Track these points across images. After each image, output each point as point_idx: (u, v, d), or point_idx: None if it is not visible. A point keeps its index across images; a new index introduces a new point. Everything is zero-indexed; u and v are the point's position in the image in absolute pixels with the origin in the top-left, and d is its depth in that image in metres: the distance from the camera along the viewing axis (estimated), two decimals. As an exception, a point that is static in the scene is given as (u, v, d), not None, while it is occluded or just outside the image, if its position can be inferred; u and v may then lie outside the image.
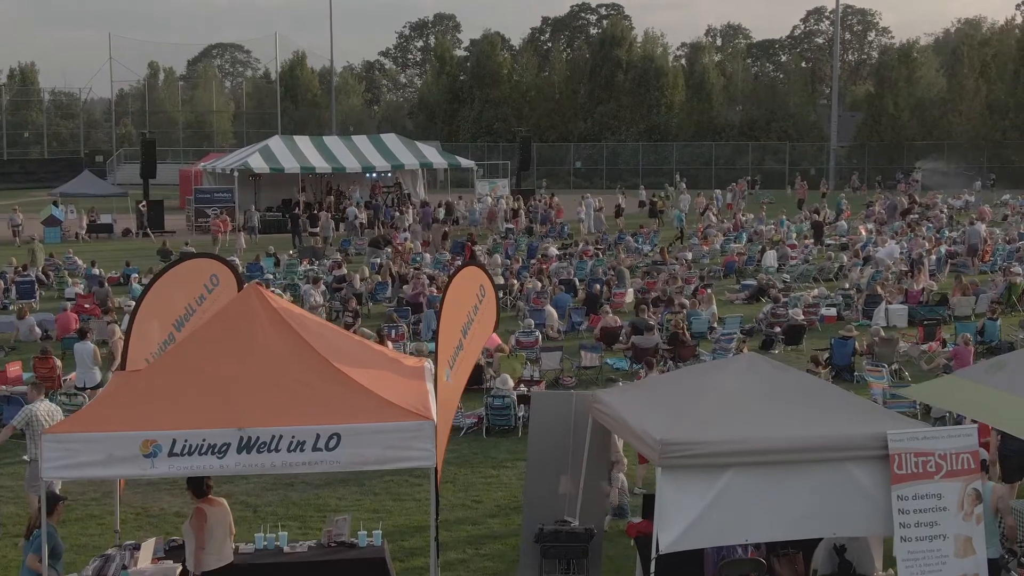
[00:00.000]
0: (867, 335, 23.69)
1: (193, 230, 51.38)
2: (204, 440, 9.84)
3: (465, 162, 60.32)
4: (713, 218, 51.38)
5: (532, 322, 24.69)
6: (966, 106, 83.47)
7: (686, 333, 23.66)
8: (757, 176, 79.72)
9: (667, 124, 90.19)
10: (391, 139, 58.87)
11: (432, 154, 58.72)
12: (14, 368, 21.36)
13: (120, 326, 23.88)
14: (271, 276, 33.90)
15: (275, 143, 56.08)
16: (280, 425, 9.93)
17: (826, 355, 22.43)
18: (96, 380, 19.56)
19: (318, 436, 9.91)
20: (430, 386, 11.34)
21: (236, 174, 52.57)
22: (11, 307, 30.79)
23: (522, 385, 19.91)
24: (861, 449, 10.59)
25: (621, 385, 14.23)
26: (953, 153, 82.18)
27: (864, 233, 44.66)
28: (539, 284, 30.66)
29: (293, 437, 9.90)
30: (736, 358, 12.50)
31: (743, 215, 52.19)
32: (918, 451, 10.60)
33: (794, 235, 43.80)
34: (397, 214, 50.44)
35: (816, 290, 30.49)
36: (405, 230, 46.18)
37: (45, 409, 14.39)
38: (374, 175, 56.86)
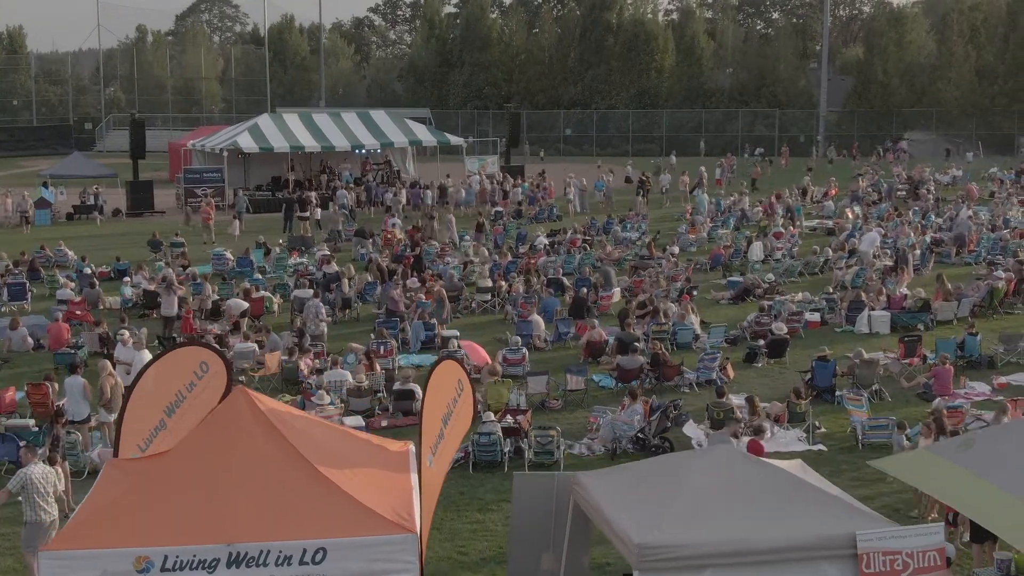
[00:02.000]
0: (849, 356, 23.97)
1: (183, 210, 51.56)
2: (195, 556, 10.20)
3: (455, 139, 60.19)
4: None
5: (519, 339, 24.98)
6: (955, 72, 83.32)
7: (667, 355, 23.97)
8: (759, 148, 79.86)
9: (657, 89, 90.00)
10: (380, 116, 58.72)
11: (421, 131, 58.64)
12: (9, 395, 21.74)
13: (110, 346, 24.36)
14: (260, 276, 33.97)
15: (264, 121, 56.00)
16: (268, 539, 10.28)
17: (808, 376, 22.80)
18: (84, 414, 19.84)
19: (304, 551, 10.28)
20: (414, 477, 11.72)
21: (225, 154, 52.64)
22: (3, 309, 31.05)
23: (508, 416, 20.23)
24: (832, 548, 11.00)
25: (598, 470, 14.59)
26: (942, 121, 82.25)
27: (851, 217, 44.87)
28: (526, 286, 31.02)
29: (280, 552, 10.25)
30: (711, 451, 12.87)
31: (737, 193, 52.20)
32: (886, 550, 11.02)
33: (780, 221, 43.96)
34: (388, 195, 50.59)
35: (800, 294, 30.80)
36: (394, 215, 46.11)
37: (40, 472, 14.66)
38: (364, 151, 56.87)
